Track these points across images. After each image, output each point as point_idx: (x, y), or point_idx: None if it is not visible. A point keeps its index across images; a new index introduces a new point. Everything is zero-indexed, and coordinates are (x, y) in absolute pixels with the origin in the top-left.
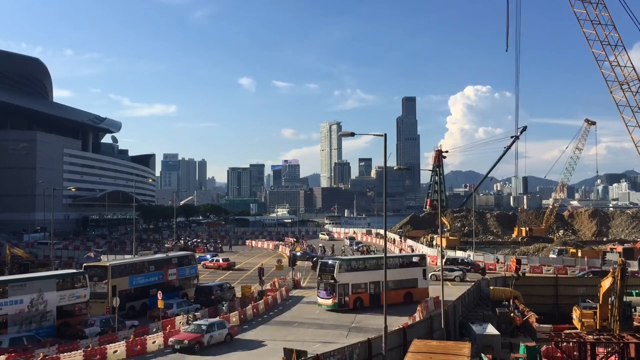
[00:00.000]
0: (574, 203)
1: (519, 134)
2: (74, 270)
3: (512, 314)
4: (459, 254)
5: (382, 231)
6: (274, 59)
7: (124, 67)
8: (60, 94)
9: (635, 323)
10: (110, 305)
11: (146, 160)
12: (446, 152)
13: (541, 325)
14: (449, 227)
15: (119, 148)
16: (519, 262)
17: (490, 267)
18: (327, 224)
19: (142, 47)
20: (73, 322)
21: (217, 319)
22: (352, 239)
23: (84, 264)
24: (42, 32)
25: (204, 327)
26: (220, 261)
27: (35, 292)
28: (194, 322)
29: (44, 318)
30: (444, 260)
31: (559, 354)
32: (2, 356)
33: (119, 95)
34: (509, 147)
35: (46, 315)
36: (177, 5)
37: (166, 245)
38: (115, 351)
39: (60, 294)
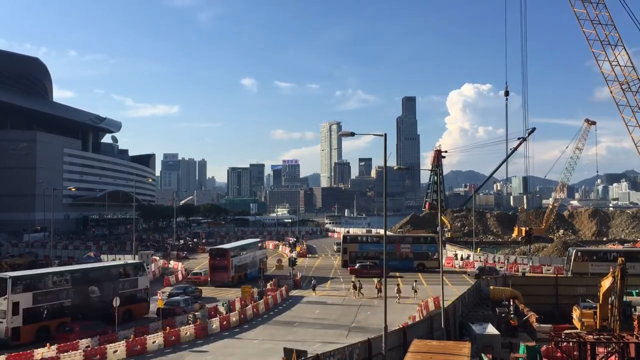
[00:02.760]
0: (574, 203)
1: (526, 135)
2: None
3: (510, 315)
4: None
5: (382, 231)
6: (276, 60)
7: (127, 68)
8: (64, 95)
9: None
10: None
11: (146, 160)
12: (445, 152)
13: (541, 325)
14: (449, 227)
15: (119, 148)
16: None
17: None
18: (327, 223)
19: (146, 48)
20: None
21: None
22: None
23: None
24: (46, 33)
25: None
26: None
27: None
28: None
29: None
30: None
31: (559, 354)
32: (2, 356)
33: (121, 95)
34: (515, 149)
35: None
36: (181, 7)
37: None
38: (115, 351)
39: None
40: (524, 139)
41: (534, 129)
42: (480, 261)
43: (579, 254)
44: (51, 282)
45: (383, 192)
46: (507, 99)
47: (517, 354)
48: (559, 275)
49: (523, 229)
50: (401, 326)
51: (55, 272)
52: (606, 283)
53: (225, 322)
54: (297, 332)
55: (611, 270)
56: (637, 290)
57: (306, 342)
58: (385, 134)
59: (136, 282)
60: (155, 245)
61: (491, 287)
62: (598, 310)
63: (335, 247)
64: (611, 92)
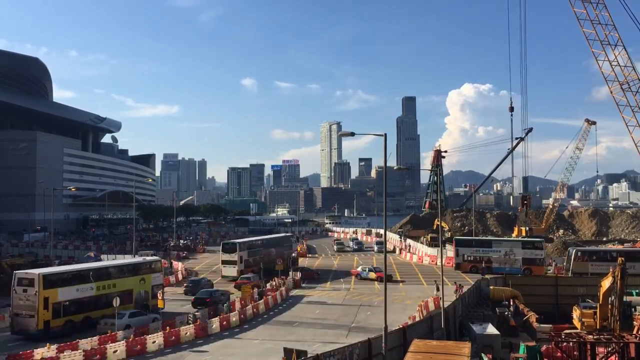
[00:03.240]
0: (574, 203)
1: (524, 135)
2: None
3: (508, 315)
4: None
5: (382, 231)
6: (276, 60)
7: (127, 68)
8: (64, 95)
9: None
10: None
11: (146, 160)
12: (445, 152)
13: (541, 325)
14: (447, 228)
15: (119, 148)
16: None
17: None
18: (327, 223)
19: (146, 48)
20: None
21: None
22: (354, 239)
23: None
24: (46, 33)
25: None
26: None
27: None
28: None
29: None
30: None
31: (559, 354)
32: (2, 356)
33: (122, 96)
34: (513, 149)
35: None
36: (181, 8)
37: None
38: (115, 351)
39: None
40: (522, 139)
41: (531, 129)
42: None
43: (579, 253)
44: (255, 245)
45: (383, 192)
46: (512, 115)
47: (517, 354)
48: (559, 275)
49: (523, 228)
50: (401, 326)
51: (257, 239)
52: (606, 283)
53: (225, 322)
54: (297, 332)
55: (611, 270)
56: (637, 290)
57: (306, 342)
58: (385, 134)
59: (291, 247)
60: (155, 245)
61: (491, 287)
62: (598, 310)
63: (335, 247)
64: (611, 92)
